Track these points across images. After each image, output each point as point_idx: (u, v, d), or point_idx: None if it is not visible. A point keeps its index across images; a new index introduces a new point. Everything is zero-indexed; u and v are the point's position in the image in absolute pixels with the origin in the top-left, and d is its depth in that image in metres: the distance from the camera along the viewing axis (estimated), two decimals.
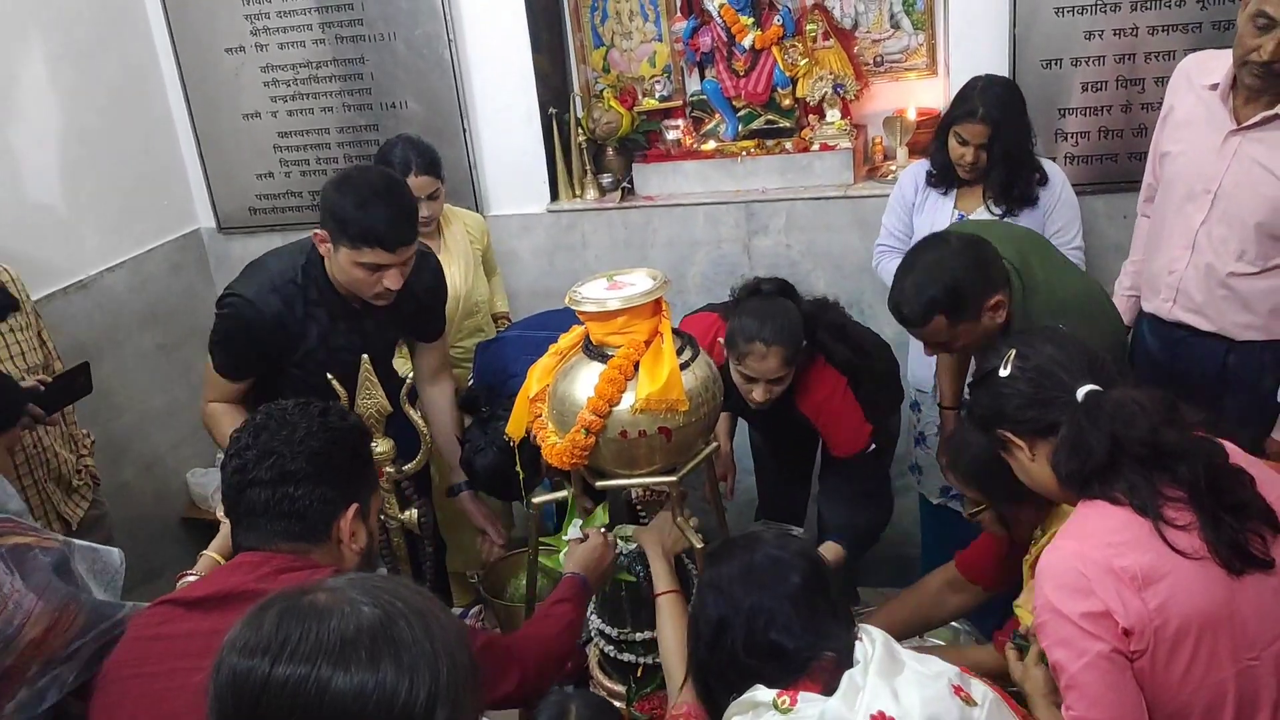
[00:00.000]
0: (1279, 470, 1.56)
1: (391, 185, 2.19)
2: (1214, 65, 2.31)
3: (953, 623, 2.34)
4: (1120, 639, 1.37)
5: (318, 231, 2.19)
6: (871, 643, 1.34)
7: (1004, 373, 1.57)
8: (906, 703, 1.26)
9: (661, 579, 1.86)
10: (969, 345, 2.13)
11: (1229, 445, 1.50)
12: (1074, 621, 1.38)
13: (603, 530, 1.99)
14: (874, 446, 2.40)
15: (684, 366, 1.82)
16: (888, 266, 2.90)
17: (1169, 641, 1.37)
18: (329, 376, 2.28)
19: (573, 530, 2.03)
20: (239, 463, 1.45)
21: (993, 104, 2.63)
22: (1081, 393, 1.50)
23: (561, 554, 2.00)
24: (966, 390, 1.74)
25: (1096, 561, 1.39)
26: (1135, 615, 1.36)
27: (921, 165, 2.87)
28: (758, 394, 2.26)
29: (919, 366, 2.94)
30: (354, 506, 1.46)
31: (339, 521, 1.45)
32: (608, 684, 2.09)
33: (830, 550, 2.39)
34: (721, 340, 2.30)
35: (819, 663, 1.32)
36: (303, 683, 0.91)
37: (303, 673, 0.91)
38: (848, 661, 1.32)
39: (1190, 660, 1.38)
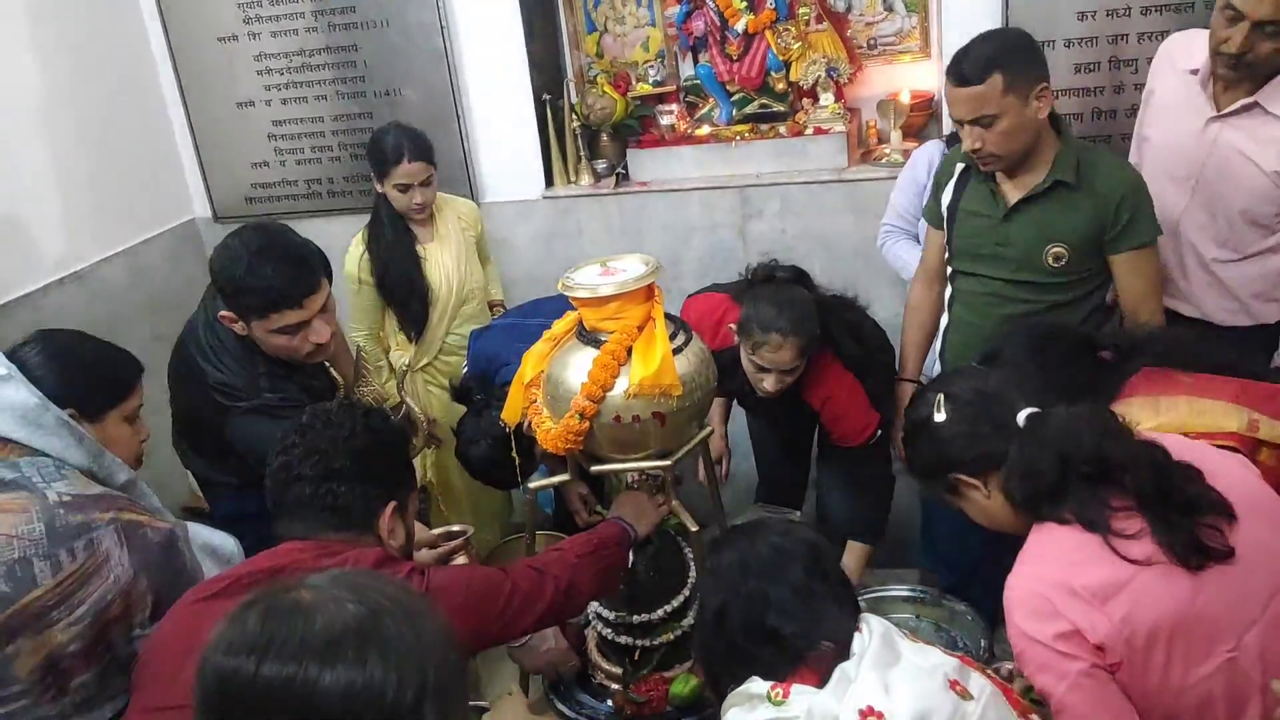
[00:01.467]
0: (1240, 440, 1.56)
1: (273, 240, 2.01)
2: (1197, 47, 2.30)
3: (948, 601, 2.37)
4: (1095, 654, 1.37)
5: (224, 314, 2.04)
6: (869, 633, 1.34)
7: (939, 417, 1.56)
8: (897, 696, 1.26)
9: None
10: (1005, 140, 2.11)
11: (1171, 439, 1.50)
12: (1048, 645, 1.38)
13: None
14: (879, 434, 2.42)
15: (677, 351, 1.83)
16: (895, 250, 2.91)
17: (1141, 650, 1.37)
18: (325, 364, 2.29)
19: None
20: (285, 459, 1.52)
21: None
22: (1023, 417, 1.51)
23: None
24: (903, 428, 1.70)
25: (1057, 583, 1.39)
26: (1103, 631, 1.36)
27: (935, 145, 2.86)
28: (769, 384, 2.25)
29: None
30: (392, 504, 1.54)
31: (380, 516, 1.53)
32: (606, 666, 2.10)
33: (856, 551, 2.46)
34: (732, 325, 2.29)
35: (816, 652, 1.33)
36: (290, 681, 0.91)
37: (290, 671, 0.91)
38: (846, 652, 1.32)
39: (1166, 663, 1.38)
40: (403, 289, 2.93)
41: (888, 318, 3.06)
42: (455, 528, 2.18)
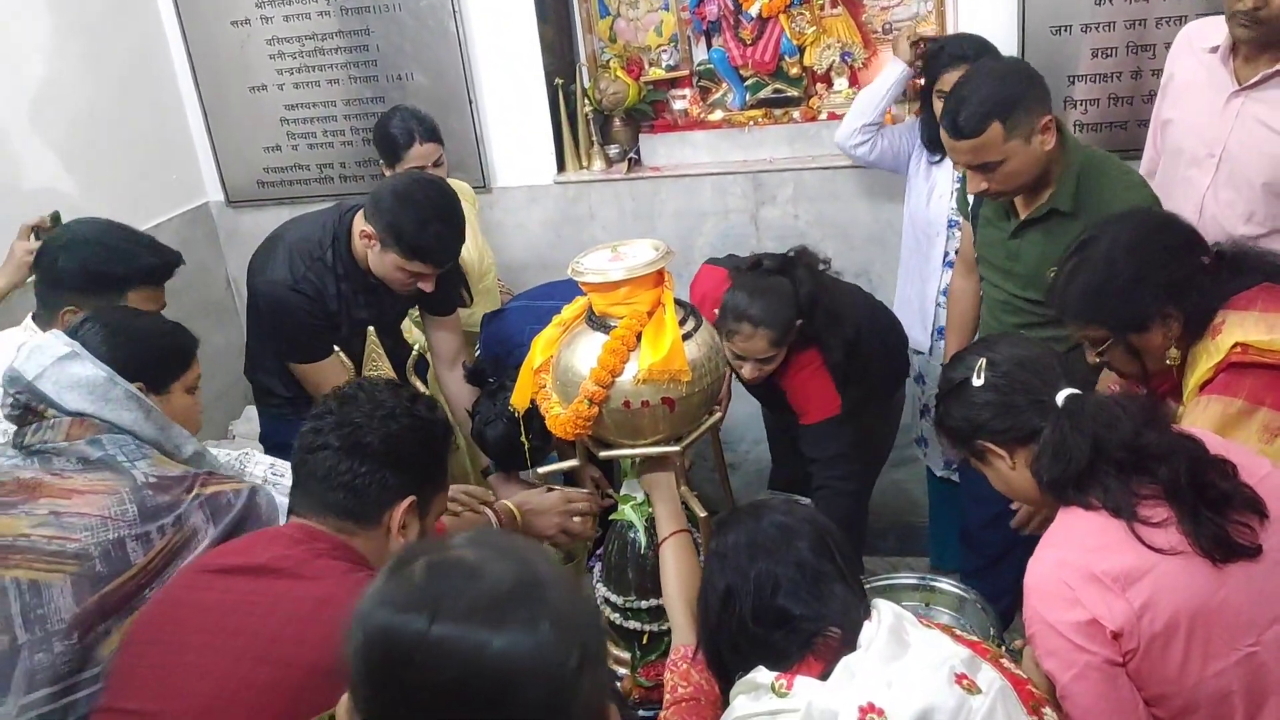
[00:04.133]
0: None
1: (451, 207, 2.27)
2: (1213, 29, 2.28)
3: (957, 589, 2.36)
4: (1111, 645, 1.37)
5: (364, 229, 2.26)
6: (878, 623, 1.32)
7: (977, 382, 1.56)
8: (900, 692, 1.24)
9: (668, 521, 1.85)
10: (1012, 179, 2.09)
11: (1208, 435, 1.50)
12: (1062, 633, 1.39)
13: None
14: (838, 416, 2.39)
15: (687, 337, 1.83)
16: (852, 141, 2.90)
17: (1160, 637, 1.37)
18: (335, 349, 2.31)
19: (626, 487, 2.05)
20: (316, 424, 1.46)
21: (969, 44, 2.62)
22: (1061, 397, 1.50)
23: (627, 506, 2.02)
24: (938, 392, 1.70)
25: (1078, 569, 1.39)
26: (1121, 617, 1.36)
27: (911, 127, 2.88)
28: (747, 371, 2.32)
29: (918, 332, 2.94)
30: (411, 499, 1.46)
31: (393, 510, 1.45)
32: (614, 651, 2.11)
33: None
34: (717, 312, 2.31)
35: (824, 639, 1.31)
36: (460, 641, 0.88)
37: (460, 632, 0.88)
38: (853, 639, 1.31)
39: (1185, 653, 1.37)
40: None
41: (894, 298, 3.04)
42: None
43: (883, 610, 1.34)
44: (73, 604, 1.51)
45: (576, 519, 2.03)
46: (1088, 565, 1.38)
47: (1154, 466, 1.42)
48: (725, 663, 1.40)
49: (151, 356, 1.77)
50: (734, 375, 2.59)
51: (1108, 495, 1.42)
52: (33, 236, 2.38)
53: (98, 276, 1.98)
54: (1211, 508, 1.39)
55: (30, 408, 1.65)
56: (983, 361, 1.57)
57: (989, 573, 2.54)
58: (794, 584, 1.34)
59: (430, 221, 2.21)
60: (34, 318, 2.04)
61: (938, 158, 2.79)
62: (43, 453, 1.63)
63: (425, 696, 0.88)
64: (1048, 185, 2.16)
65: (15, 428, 1.67)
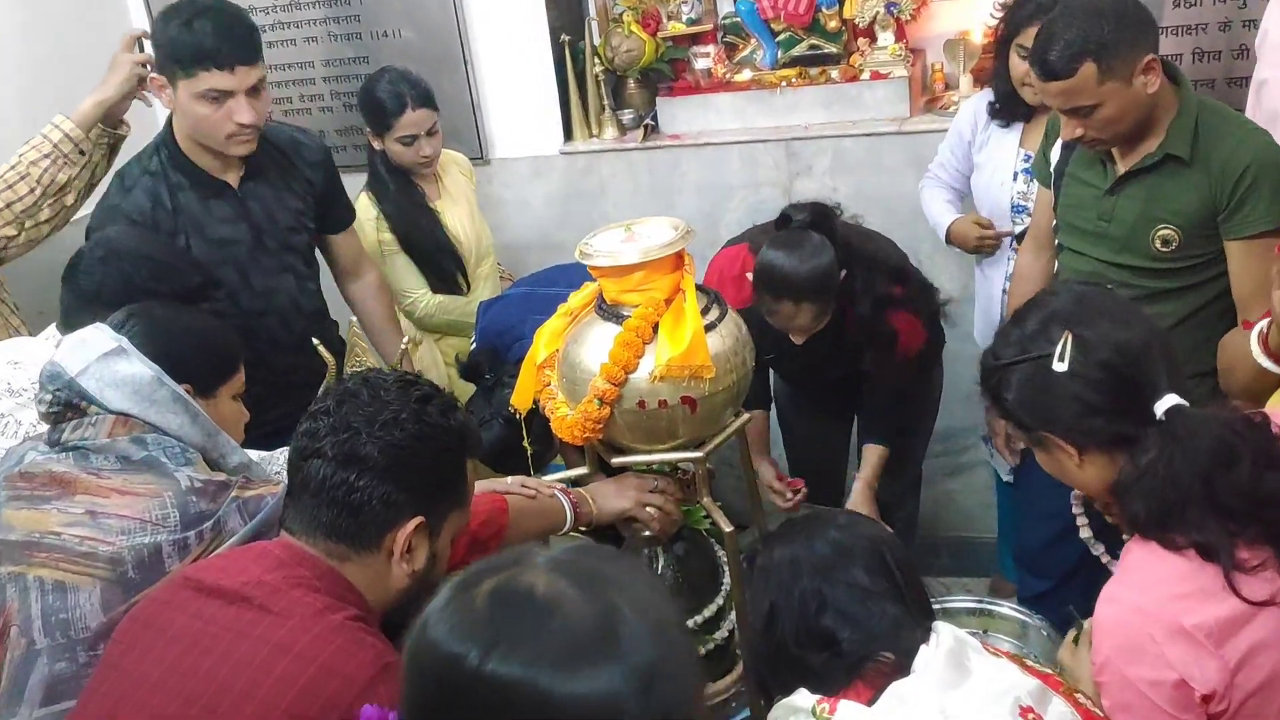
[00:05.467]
0: None
1: (220, 3, 2.33)
2: None
3: (1020, 614, 2.38)
4: (1197, 710, 1.36)
5: (154, 77, 2.36)
6: (937, 646, 1.33)
7: (1059, 366, 1.44)
8: None
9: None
10: (1111, 125, 2.10)
11: None
12: (1142, 691, 1.36)
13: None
14: (923, 353, 2.57)
15: (709, 328, 1.84)
16: (929, 194, 2.99)
17: (1256, 696, 1.35)
18: (315, 342, 2.35)
19: None
20: (311, 427, 1.43)
21: None
22: (1163, 408, 1.42)
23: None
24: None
25: (1164, 622, 1.35)
26: (1215, 677, 1.34)
27: (983, 97, 2.86)
28: (795, 336, 2.41)
29: (982, 324, 2.96)
30: (418, 520, 1.41)
31: (396, 531, 1.41)
32: None
33: (872, 454, 2.60)
34: (750, 275, 2.36)
35: (875, 664, 1.33)
36: (520, 685, 0.91)
37: (521, 675, 0.91)
38: (907, 665, 1.32)
39: None
40: (429, 246, 3.00)
41: (954, 289, 3.06)
42: None
43: (942, 633, 1.36)
44: (100, 612, 1.55)
45: (658, 496, 2.00)
46: (1175, 618, 1.35)
47: (1271, 513, 1.36)
48: (768, 688, 1.44)
49: (200, 357, 1.82)
50: (771, 364, 2.67)
51: (1202, 535, 1.37)
52: (139, 47, 2.50)
53: (141, 293, 2.01)
54: None
55: (71, 404, 1.69)
56: (1069, 339, 1.44)
57: (1051, 599, 2.55)
58: (842, 604, 1.37)
59: (194, 18, 2.25)
60: (58, 328, 2.09)
61: (1007, 125, 2.79)
62: (80, 449, 1.67)
63: None
64: (1154, 132, 2.14)
65: (50, 425, 1.72)
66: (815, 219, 2.36)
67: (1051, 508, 2.55)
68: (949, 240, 2.94)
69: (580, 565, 1.00)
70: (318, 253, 2.75)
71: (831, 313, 2.39)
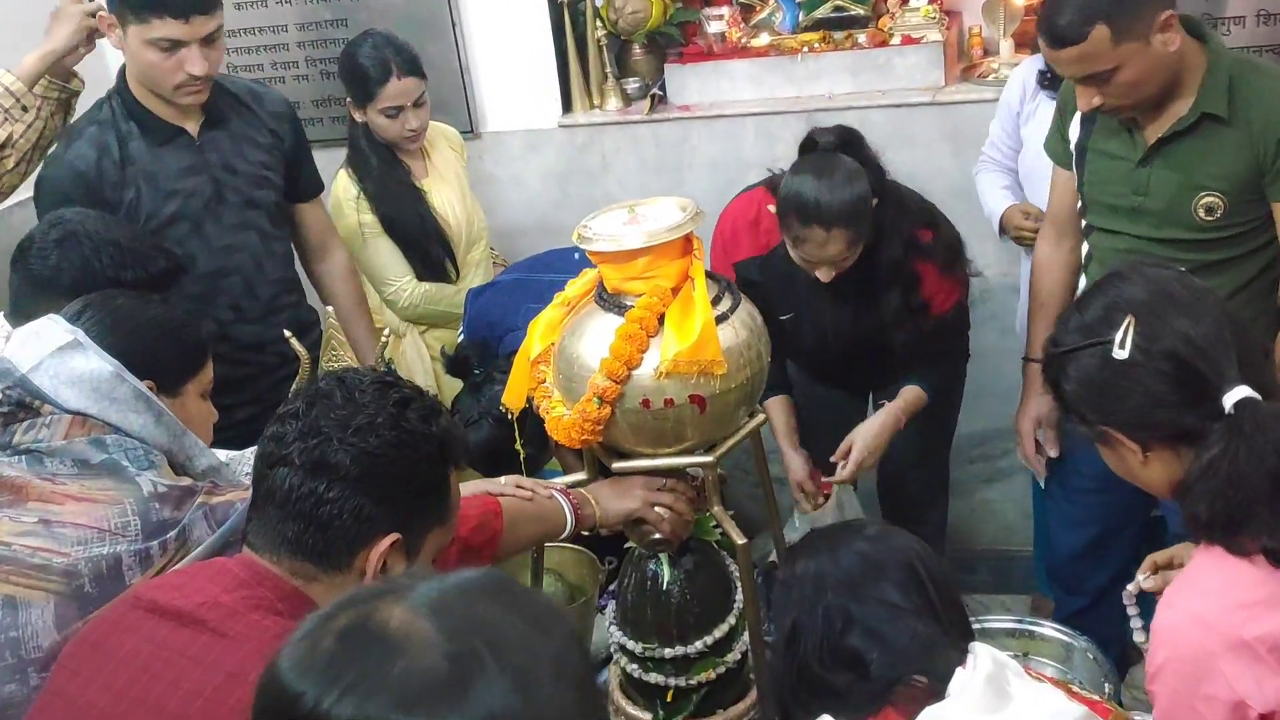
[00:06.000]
0: None
1: None
2: None
3: (1063, 635, 2.38)
4: None
5: (103, 15, 2.38)
6: (974, 669, 1.33)
7: (1120, 353, 1.44)
8: None
9: None
10: (1132, 90, 2.10)
11: None
12: (1196, 709, 1.37)
13: None
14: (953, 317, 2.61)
15: (721, 320, 1.82)
16: (984, 180, 2.95)
17: None
18: (286, 334, 2.33)
19: None
20: (278, 431, 1.41)
21: None
22: (1232, 401, 1.40)
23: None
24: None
25: (1224, 634, 1.36)
26: (1274, 697, 1.34)
27: (1032, 64, 2.83)
28: (821, 275, 2.42)
29: (1025, 315, 2.91)
30: (394, 537, 1.39)
31: (369, 549, 1.39)
32: (632, 711, 2.12)
33: (909, 392, 2.61)
34: (771, 208, 2.39)
35: (906, 688, 1.33)
36: None
37: (355, 715, 0.91)
38: (942, 689, 1.32)
39: None
40: (415, 229, 2.99)
41: (995, 275, 3.03)
42: None
43: (980, 655, 1.35)
44: (53, 629, 1.54)
45: (668, 495, 1.97)
46: (1236, 630, 1.36)
47: None
48: (790, 713, 1.43)
49: (164, 351, 1.81)
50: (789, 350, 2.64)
51: (1272, 539, 1.37)
52: None
53: (102, 280, 2.01)
54: None
55: (24, 404, 1.68)
56: (1131, 324, 1.44)
57: (1089, 616, 2.54)
58: (870, 622, 1.37)
59: None
60: (6, 318, 2.08)
61: (1055, 92, 2.76)
62: (33, 452, 1.66)
63: None
64: (1182, 94, 2.15)
65: (0, 426, 1.71)
66: (843, 142, 2.40)
67: (1080, 515, 2.56)
68: (1002, 232, 2.89)
69: (453, 601, 0.98)
70: None
71: (861, 248, 2.41)
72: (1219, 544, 1.41)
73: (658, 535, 1.98)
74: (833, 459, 2.66)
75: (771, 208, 2.41)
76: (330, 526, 1.37)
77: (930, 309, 2.56)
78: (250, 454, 1.89)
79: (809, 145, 2.43)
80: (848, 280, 2.47)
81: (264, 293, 2.60)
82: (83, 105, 2.59)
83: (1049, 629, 2.41)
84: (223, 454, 1.91)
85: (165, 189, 2.46)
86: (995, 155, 2.93)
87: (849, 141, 2.41)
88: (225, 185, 2.53)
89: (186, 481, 1.70)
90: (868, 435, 2.60)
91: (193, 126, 2.49)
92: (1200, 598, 1.41)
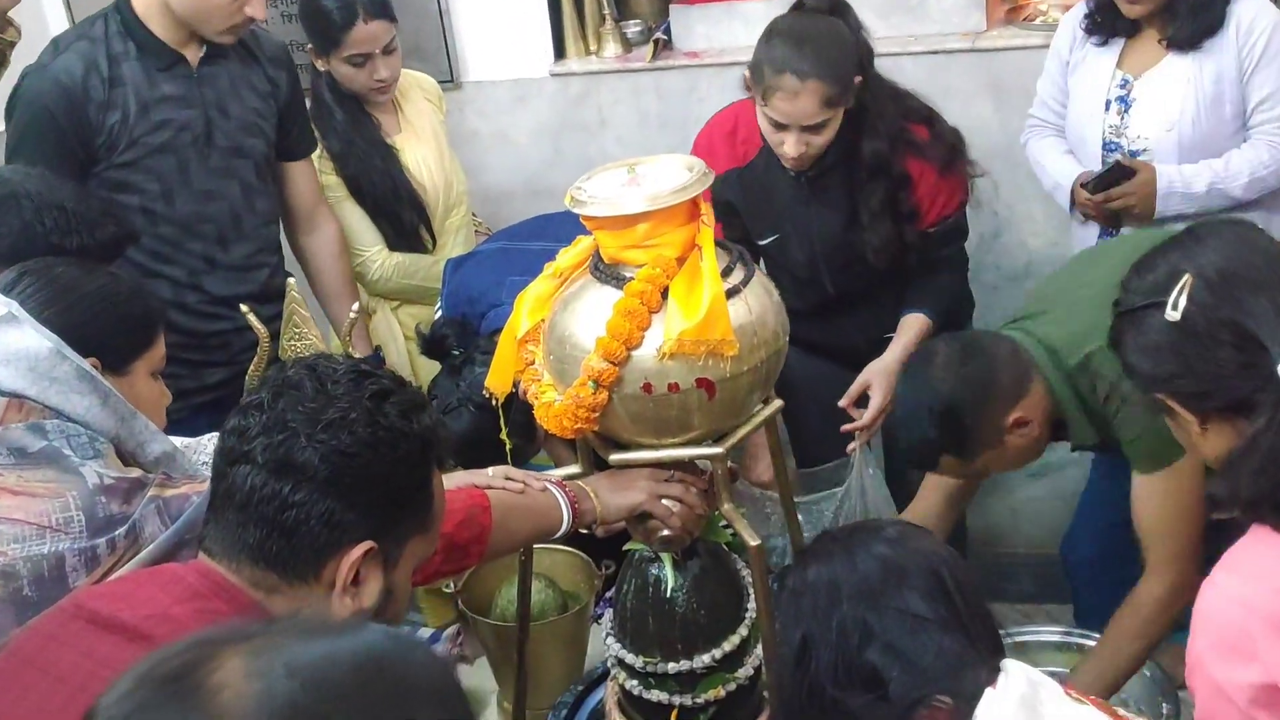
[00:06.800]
0: None
1: None
2: None
3: None
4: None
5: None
6: (1006, 689, 1.34)
7: (1172, 315, 1.50)
8: None
9: None
10: (1009, 466, 2.32)
11: None
12: (1230, 697, 1.40)
13: None
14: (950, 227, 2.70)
15: (732, 293, 1.82)
16: (1037, 146, 2.93)
17: None
18: (244, 309, 2.33)
19: None
20: (240, 424, 1.40)
21: None
22: None
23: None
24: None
25: (1266, 614, 1.39)
26: None
27: (1083, 8, 2.83)
28: (789, 146, 2.47)
29: None
30: (367, 546, 1.39)
31: (339, 559, 1.39)
32: None
33: (913, 321, 2.68)
34: (746, 73, 2.52)
35: (929, 710, 1.34)
36: None
37: None
38: (970, 711, 1.32)
39: None
40: (385, 192, 3.01)
41: (1041, 246, 3.02)
42: None
43: (1012, 674, 1.35)
44: None
45: (677, 486, 1.97)
46: (1277, 609, 1.40)
47: None
48: None
49: (110, 325, 1.83)
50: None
51: None
52: None
53: (45, 246, 2.02)
54: None
55: None
56: (1187, 285, 1.50)
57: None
58: (890, 636, 1.37)
59: None
60: None
61: (1102, 39, 2.76)
62: None
63: None
64: None
65: None
66: (832, 7, 2.49)
67: (1115, 518, 2.56)
68: (1073, 205, 2.84)
69: (306, 664, 0.93)
70: None
71: (839, 122, 2.47)
72: (1268, 523, 1.45)
73: (666, 532, 1.97)
74: (842, 404, 2.67)
75: (746, 73, 2.53)
76: (296, 533, 1.37)
77: (920, 218, 2.61)
78: (209, 440, 1.93)
79: (798, 5, 2.51)
80: (831, 180, 2.55)
81: (238, 250, 2.66)
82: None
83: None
84: (178, 440, 1.90)
85: (155, 118, 2.52)
86: (1046, 116, 2.90)
87: (839, 8, 2.49)
88: (216, 126, 2.61)
89: (136, 473, 1.70)
90: (885, 372, 2.63)
91: (193, 55, 2.56)
92: (1243, 579, 1.45)
